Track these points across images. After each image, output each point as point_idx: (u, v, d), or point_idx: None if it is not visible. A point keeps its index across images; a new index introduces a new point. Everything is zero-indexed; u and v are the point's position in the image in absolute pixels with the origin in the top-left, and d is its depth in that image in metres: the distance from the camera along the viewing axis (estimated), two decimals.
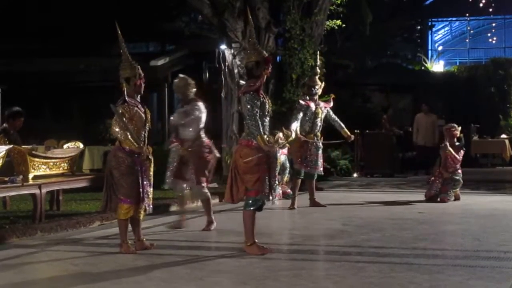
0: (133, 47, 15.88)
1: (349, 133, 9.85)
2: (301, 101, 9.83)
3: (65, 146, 9.31)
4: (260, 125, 6.18)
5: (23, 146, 8.66)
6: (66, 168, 8.93)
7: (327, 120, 9.94)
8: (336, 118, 9.88)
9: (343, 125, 9.87)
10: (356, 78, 21.40)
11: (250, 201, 6.25)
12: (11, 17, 17.00)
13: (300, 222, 8.63)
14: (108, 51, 15.71)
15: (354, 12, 16.75)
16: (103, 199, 6.59)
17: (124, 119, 6.32)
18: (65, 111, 16.67)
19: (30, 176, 8.25)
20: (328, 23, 14.40)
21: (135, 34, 14.66)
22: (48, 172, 8.61)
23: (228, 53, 13.47)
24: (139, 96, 6.58)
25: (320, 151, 9.85)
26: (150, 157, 6.49)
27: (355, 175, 15.85)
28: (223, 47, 13.52)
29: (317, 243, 6.95)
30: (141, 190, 6.42)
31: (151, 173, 6.63)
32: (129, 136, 6.33)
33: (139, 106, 6.52)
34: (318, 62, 10.59)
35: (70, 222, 7.96)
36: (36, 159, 8.41)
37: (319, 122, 9.76)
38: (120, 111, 6.33)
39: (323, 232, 7.69)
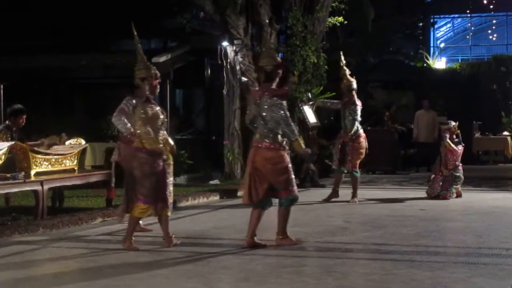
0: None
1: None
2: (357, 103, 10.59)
3: (67, 142, 9.28)
4: (295, 128, 6.46)
5: (28, 143, 8.63)
6: (68, 164, 8.94)
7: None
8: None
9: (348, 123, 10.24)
10: (358, 75, 21.20)
11: (290, 200, 6.51)
12: (13, 14, 16.99)
13: (302, 219, 8.62)
14: (110, 47, 15.67)
15: (356, 9, 16.71)
16: (123, 200, 6.58)
17: (146, 117, 6.35)
18: (67, 107, 16.64)
19: (32, 172, 8.25)
20: (330, 20, 14.39)
21: (137, 31, 14.63)
22: (50, 168, 8.62)
23: (230, 50, 13.46)
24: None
25: (337, 148, 10.48)
26: (165, 157, 6.48)
27: None
28: (225, 43, 13.51)
29: (319, 240, 6.94)
30: (163, 190, 6.43)
31: (171, 171, 6.64)
32: (151, 134, 6.34)
33: (157, 106, 6.57)
34: (343, 62, 11.56)
35: (72, 219, 7.97)
36: (38, 156, 8.41)
37: (345, 119, 10.44)
38: (142, 110, 6.36)
39: (325, 229, 7.69)
